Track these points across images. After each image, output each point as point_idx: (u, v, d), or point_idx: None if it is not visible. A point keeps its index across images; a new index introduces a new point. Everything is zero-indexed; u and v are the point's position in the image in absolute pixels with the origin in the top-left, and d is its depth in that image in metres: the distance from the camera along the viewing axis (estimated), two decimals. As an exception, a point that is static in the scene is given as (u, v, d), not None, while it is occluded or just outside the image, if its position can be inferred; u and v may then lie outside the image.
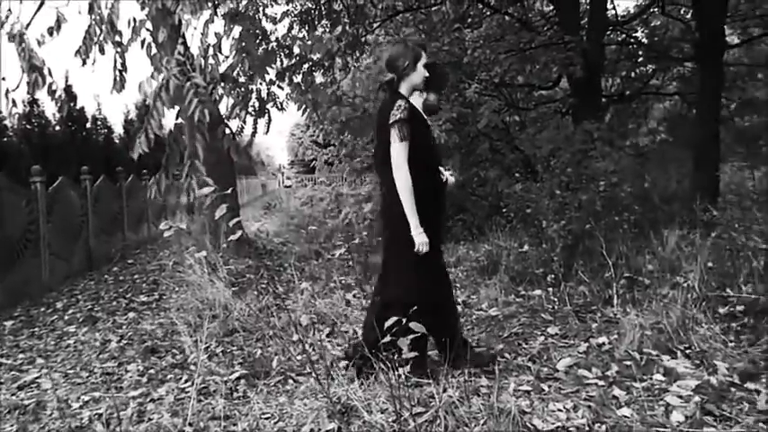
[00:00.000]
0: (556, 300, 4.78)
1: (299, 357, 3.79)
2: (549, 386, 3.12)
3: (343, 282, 5.94)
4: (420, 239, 3.04)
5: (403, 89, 3.22)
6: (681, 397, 2.89)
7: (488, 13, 9.50)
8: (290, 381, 3.46)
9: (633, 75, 11.85)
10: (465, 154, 8.96)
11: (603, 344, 3.75)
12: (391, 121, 3.03)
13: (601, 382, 3.13)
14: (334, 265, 6.83)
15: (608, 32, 10.01)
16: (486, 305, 4.93)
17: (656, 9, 10.38)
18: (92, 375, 4.00)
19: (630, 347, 3.55)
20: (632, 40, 10.97)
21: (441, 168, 3.34)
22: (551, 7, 10.20)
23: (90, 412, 3.26)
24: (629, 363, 3.36)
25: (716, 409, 2.75)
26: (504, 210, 6.94)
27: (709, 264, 4.73)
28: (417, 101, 3.33)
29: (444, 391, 2.86)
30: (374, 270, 6.31)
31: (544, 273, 5.37)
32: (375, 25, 9.37)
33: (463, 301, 5.14)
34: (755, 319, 3.87)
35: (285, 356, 3.82)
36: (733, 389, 2.97)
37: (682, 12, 10.66)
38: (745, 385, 2.99)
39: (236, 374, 3.58)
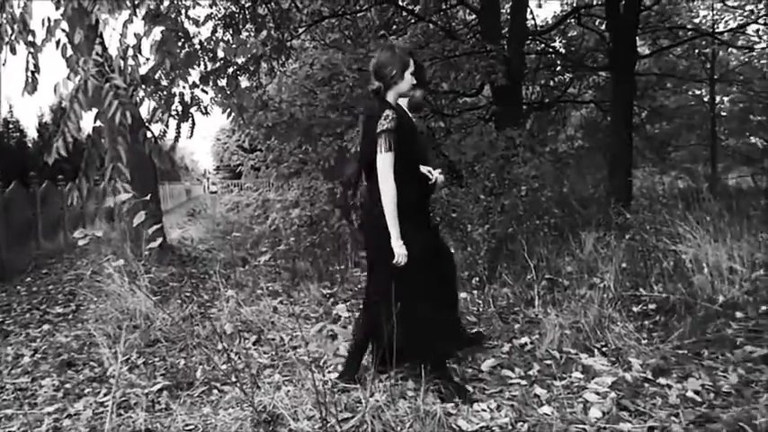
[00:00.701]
0: (480, 302, 4.88)
1: (223, 366, 3.72)
2: (474, 387, 3.19)
3: (270, 288, 5.87)
4: (400, 251, 2.98)
5: (390, 97, 3.18)
6: (598, 393, 3.01)
7: (413, 20, 9.63)
8: (215, 391, 3.39)
9: (552, 83, 12.31)
10: (392, 159, 9.02)
11: (526, 344, 3.86)
12: (378, 131, 2.98)
13: (523, 382, 3.22)
14: (261, 272, 6.74)
15: (528, 42, 10.36)
16: (412, 309, 4.97)
17: (572, 20, 10.82)
18: (3, 392, 3.79)
19: (551, 347, 3.67)
20: (551, 50, 11.39)
21: (429, 169, 3.32)
22: (474, 16, 10.46)
23: (2, 431, 3.09)
24: (549, 362, 3.47)
25: (631, 404, 2.87)
26: (430, 214, 7.03)
27: (624, 264, 4.96)
28: (403, 100, 3.32)
29: (371, 395, 2.87)
30: (302, 276, 6.28)
31: (469, 276, 5.47)
32: (301, 30, 9.33)
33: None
34: (666, 316, 4.09)
35: (209, 366, 3.74)
36: (646, 384, 3.12)
37: (597, 23, 11.14)
38: (658, 380, 3.15)
39: (158, 386, 3.47)
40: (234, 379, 3.33)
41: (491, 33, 8.66)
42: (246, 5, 8.21)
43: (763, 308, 4.13)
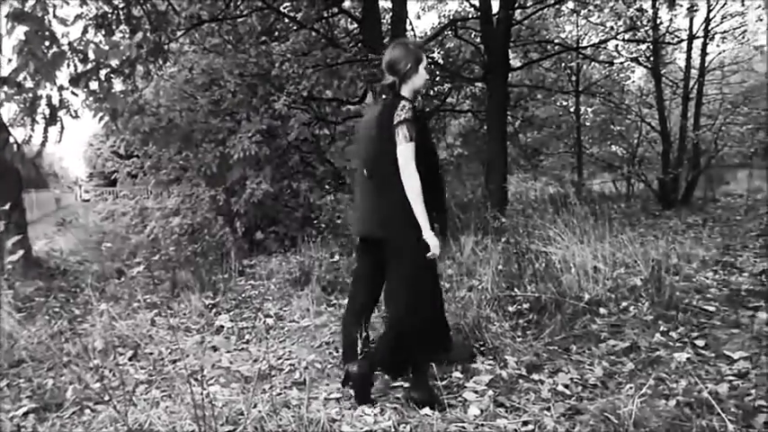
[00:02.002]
0: (365, 307, 4.94)
1: (96, 385, 3.52)
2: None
3: (148, 301, 5.63)
4: (433, 242, 2.93)
5: (404, 92, 3.11)
6: (476, 392, 3.14)
7: (295, 27, 9.60)
8: (87, 411, 3.21)
9: (432, 93, 12.69)
10: (276, 166, 8.95)
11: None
12: (397, 122, 2.91)
13: (406, 385, 3.29)
14: (138, 284, 6.44)
15: (408, 52, 10.61)
16: (298, 316, 4.96)
17: (450, 32, 11.23)
18: None
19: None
20: (430, 61, 11.74)
21: None
22: (355, 25, 10.59)
23: None
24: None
25: (507, 401, 3.02)
26: (315, 221, 7.04)
27: (500, 266, 5.20)
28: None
29: (254, 406, 2.83)
30: (182, 286, 6.08)
31: (354, 281, 5.53)
32: (179, 33, 9.04)
33: (275, 313, 5.13)
34: (538, 314, 4.32)
35: (81, 385, 3.53)
36: (521, 381, 3.29)
37: (472, 35, 11.63)
38: (531, 376, 3.33)
39: (24, 409, 3.24)
40: (107, 397, 3.16)
41: (372, 42, 8.81)
42: (120, 6, 7.83)
43: (624, 304, 4.48)
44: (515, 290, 4.75)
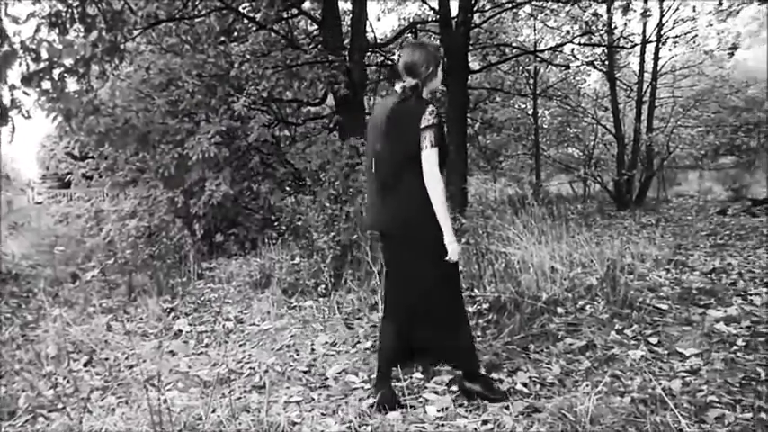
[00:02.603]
0: (326, 309, 4.94)
1: (49, 392, 3.43)
2: (320, 394, 3.22)
3: (103, 305, 5.51)
4: (454, 248, 2.92)
5: (424, 94, 3.08)
6: (437, 392, 3.16)
7: (254, 28, 9.53)
8: (41, 419, 3.12)
9: (392, 95, 12.73)
10: (236, 168, 8.87)
11: (369, 348, 3.96)
12: (423, 126, 2.87)
13: (367, 386, 3.30)
14: (93, 288, 6.30)
15: (368, 54, 10.66)
16: (258, 319, 4.92)
17: (410, 34, 11.30)
18: None
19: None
20: (390, 62, 11.80)
21: None
22: (315, 27, 10.57)
23: None
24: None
25: (467, 400, 3.05)
26: (276, 223, 7.00)
27: (460, 267, 5.24)
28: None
29: (213, 411, 2.80)
30: (139, 290, 5.97)
31: (315, 283, 5.51)
32: (136, 33, 8.88)
33: (235, 316, 5.08)
34: (498, 314, 4.38)
35: (34, 393, 3.44)
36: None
37: (432, 38, 11.72)
38: (491, 376, 3.37)
39: (-26, 419, 3.14)
40: (61, 405, 3.09)
41: (332, 44, 8.82)
42: (75, 4, 7.66)
43: (581, 303, 4.57)
44: (475, 290, 4.81)
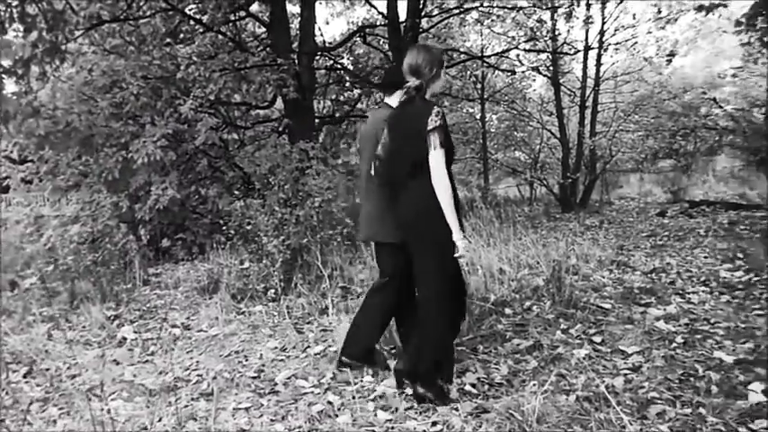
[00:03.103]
0: (276, 314, 4.90)
1: (-13, 405, 3.31)
2: (269, 400, 3.19)
3: (44, 314, 5.33)
4: (463, 244, 2.98)
5: (427, 95, 3.13)
6: (387, 396, 3.17)
7: (201, 30, 9.39)
8: (-23, 434, 3.01)
9: (342, 98, 12.75)
10: (183, 171, 8.72)
11: (319, 353, 3.95)
12: (431, 128, 2.92)
13: (317, 390, 3.29)
14: (33, 296, 6.08)
15: (317, 57, 10.64)
16: (206, 325, 4.84)
17: (359, 38, 11.32)
18: None
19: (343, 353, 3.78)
20: (339, 66, 11.81)
21: None
22: (263, 30, 10.49)
23: None
24: (343, 368, 3.58)
25: (417, 403, 3.07)
26: (224, 227, 6.90)
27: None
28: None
29: (159, 420, 2.75)
30: (82, 298, 5.79)
31: (265, 288, 5.46)
32: (77, 33, 8.63)
33: (182, 323, 4.99)
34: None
35: (-31, 406, 3.30)
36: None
37: (381, 42, 11.77)
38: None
39: None
40: (0, 418, 2.98)
41: (281, 47, 8.76)
42: (14, 4, 7.40)
43: (528, 304, 4.67)
44: (425, 293, 4.83)
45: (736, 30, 6.54)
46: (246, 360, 3.95)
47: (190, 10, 9.48)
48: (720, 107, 17.38)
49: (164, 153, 7.47)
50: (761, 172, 15.47)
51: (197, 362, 3.96)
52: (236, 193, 8.20)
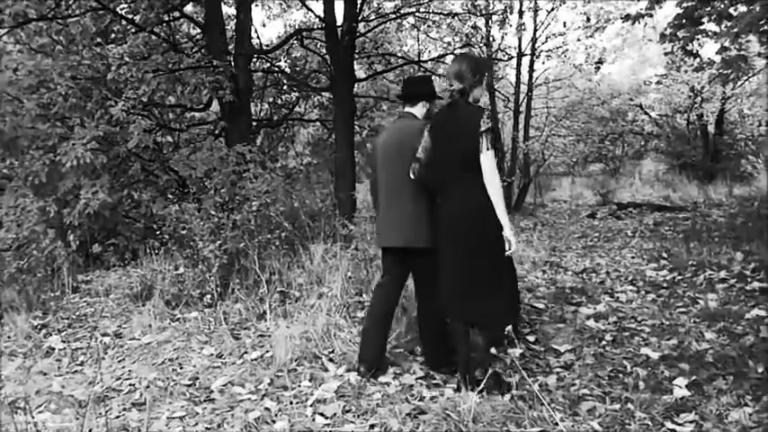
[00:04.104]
0: (212, 320, 4.82)
1: None
2: (204, 408, 3.14)
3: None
4: (515, 239, 3.17)
5: (470, 99, 3.29)
6: (325, 400, 3.18)
7: (133, 30, 9.14)
8: None
9: (280, 101, 12.65)
10: (115, 175, 8.47)
11: (257, 358, 3.92)
12: (483, 129, 3.09)
13: (254, 397, 3.26)
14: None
15: (254, 60, 10.52)
16: (139, 333, 4.72)
17: (296, 41, 11.27)
18: None
19: (282, 359, 3.77)
20: (277, 69, 11.71)
21: None
22: (198, 31, 10.30)
23: None
24: (280, 374, 3.57)
25: (355, 406, 3.09)
26: (158, 232, 6.74)
27: (349, 273, 5.31)
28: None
29: None
30: (6, 306, 5.55)
31: (201, 294, 5.37)
32: (2, 32, 8.27)
33: (114, 331, 4.85)
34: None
35: None
36: (368, 385, 3.38)
37: (318, 46, 11.74)
38: (379, 380, 3.44)
39: None
40: None
41: (217, 49, 8.63)
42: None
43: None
44: (364, 295, 4.87)
45: (660, 40, 6.87)
46: (181, 368, 3.88)
47: (121, 9, 9.22)
48: (646, 113, 18.16)
49: (94, 156, 7.23)
50: (683, 175, 16.27)
51: (129, 371, 3.86)
52: (171, 197, 8.03)
